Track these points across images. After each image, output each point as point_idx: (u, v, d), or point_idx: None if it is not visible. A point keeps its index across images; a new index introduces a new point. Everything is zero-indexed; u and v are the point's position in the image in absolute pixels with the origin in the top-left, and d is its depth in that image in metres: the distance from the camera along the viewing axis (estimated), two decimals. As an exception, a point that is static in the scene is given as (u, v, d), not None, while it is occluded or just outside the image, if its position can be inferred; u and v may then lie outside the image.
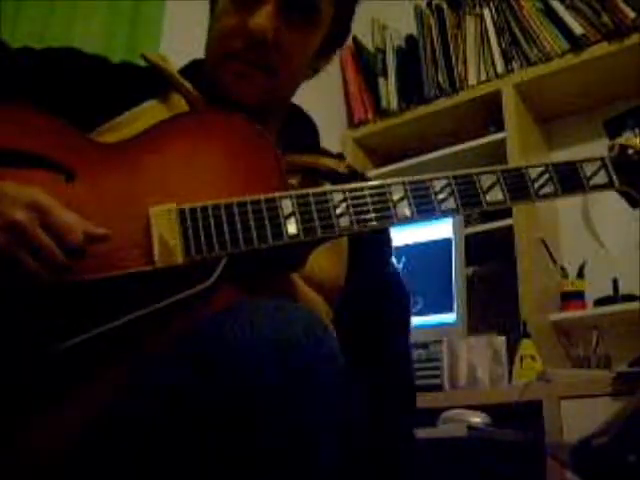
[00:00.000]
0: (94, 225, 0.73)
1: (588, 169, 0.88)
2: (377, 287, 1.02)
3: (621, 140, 0.91)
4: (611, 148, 0.92)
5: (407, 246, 2.19)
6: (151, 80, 0.94)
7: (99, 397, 0.70)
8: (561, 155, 2.55)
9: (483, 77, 2.47)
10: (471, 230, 2.32)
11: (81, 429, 0.69)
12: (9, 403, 0.69)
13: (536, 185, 0.86)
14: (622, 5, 2.21)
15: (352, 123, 2.73)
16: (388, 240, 1.08)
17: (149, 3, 1.97)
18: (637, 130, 0.94)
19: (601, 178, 0.88)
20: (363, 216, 0.81)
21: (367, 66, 2.74)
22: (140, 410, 0.68)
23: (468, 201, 0.83)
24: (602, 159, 0.89)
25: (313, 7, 0.93)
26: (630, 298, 2.16)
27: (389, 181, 0.83)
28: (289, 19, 0.91)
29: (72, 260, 0.71)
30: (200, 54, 1.02)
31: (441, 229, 2.20)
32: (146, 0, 1.96)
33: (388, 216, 0.81)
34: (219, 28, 0.93)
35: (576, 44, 2.29)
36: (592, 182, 0.88)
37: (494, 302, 2.41)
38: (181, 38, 1.87)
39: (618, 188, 0.89)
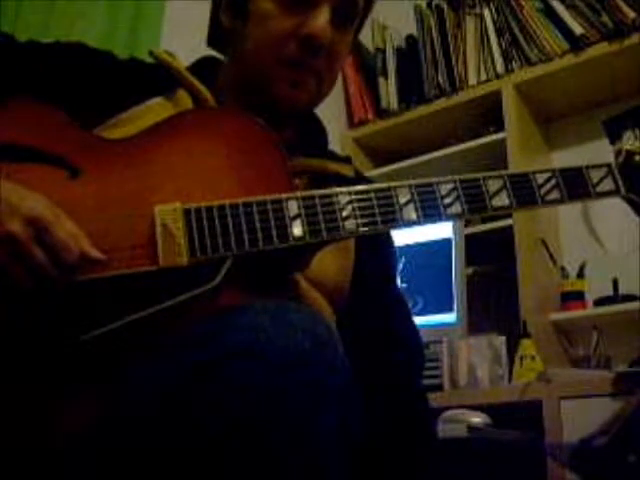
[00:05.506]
0: (91, 246, 0.73)
1: (595, 175, 0.87)
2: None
3: (627, 146, 0.90)
4: (618, 153, 0.91)
5: (407, 246, 2.19)
6: (158, 77, 0.93)
7: (102, 394, 0.70)
8: (561, 155, 2.55)
9: (483, 77, 2.47)
10: (471, 230, 2.32)
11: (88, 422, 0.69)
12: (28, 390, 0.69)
13: (542, 191, 0.84)
14: (622, 5, 2.21)
15: (352, 123, 2.73)
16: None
17: (149, 3, 1.97)
18: (637, 130, 0.94)
19: (607, 185, 0.87)
20: (369, 219, 0.80)
21: (367, 66, 2.74)
22: (137, 410, 0.68)
23: (474, 206, 0.83)
24: (609, 165, 0.88)
25: (358, 10, 0.93)
26: (630, 298, 2.16)
27: (395, 184, 0.83)
28: (337, 23, 0.90)
29: (65, 275, 0.71)
30: (200, 53, 1.02)
31: (441, 229, 2.20)
32: (146, 0, 1.96)
33: (394, 219, 0.81)
34: (269, 32, 0.90)
35: (576, 44, 2.29)
36: (598, 189, 0.86)
37: (494, 302, 2.41)
38: (181, 38, 1.87)
39: (624, 195, 0.88)
